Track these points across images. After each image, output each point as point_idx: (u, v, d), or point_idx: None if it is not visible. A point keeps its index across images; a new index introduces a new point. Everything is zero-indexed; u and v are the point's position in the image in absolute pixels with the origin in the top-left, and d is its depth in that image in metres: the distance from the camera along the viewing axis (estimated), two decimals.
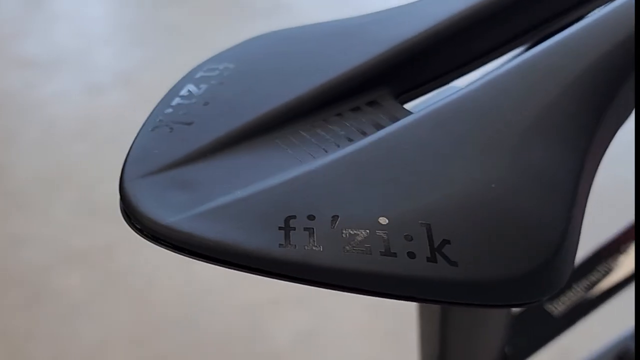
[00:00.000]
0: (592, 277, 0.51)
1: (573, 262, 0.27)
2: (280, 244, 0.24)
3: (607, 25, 0.31)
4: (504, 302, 0.26)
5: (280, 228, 0.24)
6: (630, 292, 0.55)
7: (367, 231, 0.24)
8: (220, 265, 0.25)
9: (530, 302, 0.26)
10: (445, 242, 0.25)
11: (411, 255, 0.24)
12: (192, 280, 1.37)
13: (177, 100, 0.29)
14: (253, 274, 0.25)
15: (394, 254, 0.24)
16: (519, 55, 0.31)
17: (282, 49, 0.31)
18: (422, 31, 0.31)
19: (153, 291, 1.35)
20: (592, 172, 0.29)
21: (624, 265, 0.52)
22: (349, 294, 0.24)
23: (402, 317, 1.31)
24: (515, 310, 0.48)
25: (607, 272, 0.52)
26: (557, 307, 0.50)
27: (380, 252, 0.24)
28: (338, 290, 0.25)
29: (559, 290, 0.27)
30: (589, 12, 0.35)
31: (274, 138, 0.28)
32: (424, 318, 0.41)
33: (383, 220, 0.25)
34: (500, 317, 0.42)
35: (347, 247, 0.24)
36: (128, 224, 0.25)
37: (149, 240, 0.25)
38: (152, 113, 0.28)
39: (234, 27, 2.06)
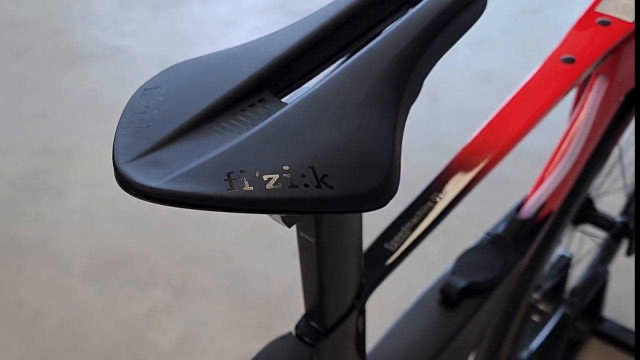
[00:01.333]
0: (414, 220, 0.69)
1: (398, 181, 0.44)
2: (227, 189, 0.38)
3: (399, 35, 0.48)
4: (361, 207, 0.41)
5: (225, 180, 0.38)
6: (439, 231, 0.73)
7: (277, 175, 0.39)
8: (191, 208, 0.38)
9: (376, 207, 0.42)
10: (325, 175, 0.40)
11: (306, 185, 0.39)
12: (74, 306, 1.42)
13: (134, 113, 0.42)
14: (213, 210, 0.39)
15: (296, 186, 0.39)
16: (346, 59, 0.47)
17: (196, 71, 0.45)
18: (284, 51, 0.46)
19: (38, 322, 1.39)
20: (402, 126, 0.46)
21: (434, 209, 0.71)
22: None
23: (267, 310, 1.45)
24: (364, 249, 0.65)
25: (423, 216, 0.70)
26: (393, 245, 0.68)
27: (287, 186, 0.39)
28: (267, 213, 0.39)
29: (390, 199, 0.43)
30: (387, 26, 0.53)
31: (206, 129, 0.42)
32: (304, 252, 0.56)
33: (286, 167, 0.39)
34: (355, 252, 0.58)
35: (267, 186, 0.39)
36: (125, 191, 0.38)
37: (141, 199, 0.38)
38: (119, 123, 0.42)
39: (79, 72, 2.10)
